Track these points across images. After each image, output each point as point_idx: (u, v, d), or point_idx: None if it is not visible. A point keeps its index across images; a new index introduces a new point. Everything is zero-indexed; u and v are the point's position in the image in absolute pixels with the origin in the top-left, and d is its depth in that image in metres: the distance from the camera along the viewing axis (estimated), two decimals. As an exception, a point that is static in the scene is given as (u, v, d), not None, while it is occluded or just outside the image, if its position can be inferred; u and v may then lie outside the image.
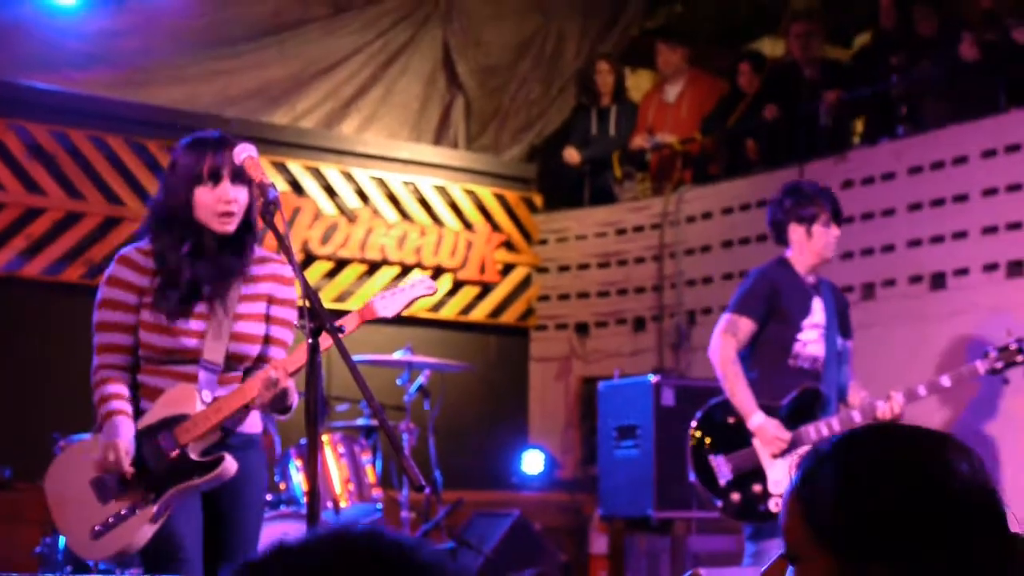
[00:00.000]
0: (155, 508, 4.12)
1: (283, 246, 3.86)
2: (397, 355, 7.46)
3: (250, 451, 4.34)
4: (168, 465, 4.14)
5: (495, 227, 10.58)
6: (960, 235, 8.22)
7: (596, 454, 8.63)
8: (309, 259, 9.68)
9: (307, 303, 3.66)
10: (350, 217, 9.93)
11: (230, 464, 4.14)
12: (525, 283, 10.69)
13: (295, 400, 4.14)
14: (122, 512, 4.14)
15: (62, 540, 6.05)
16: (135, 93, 9.23)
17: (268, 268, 4.37)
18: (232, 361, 4.29)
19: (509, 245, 10.63)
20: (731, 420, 5.95)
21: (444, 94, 10.98)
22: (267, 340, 4.37)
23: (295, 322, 4.34)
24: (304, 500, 6.51)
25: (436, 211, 10.34)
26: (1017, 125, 8.04)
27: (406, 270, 10.08)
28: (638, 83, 11.90)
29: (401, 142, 10.55)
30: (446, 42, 10.92)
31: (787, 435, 5.79)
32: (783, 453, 5.78)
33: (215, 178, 4.24)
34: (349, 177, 10.01)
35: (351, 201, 9.98)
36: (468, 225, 10.45)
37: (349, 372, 3.55)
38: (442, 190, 10.41)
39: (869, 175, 8.83)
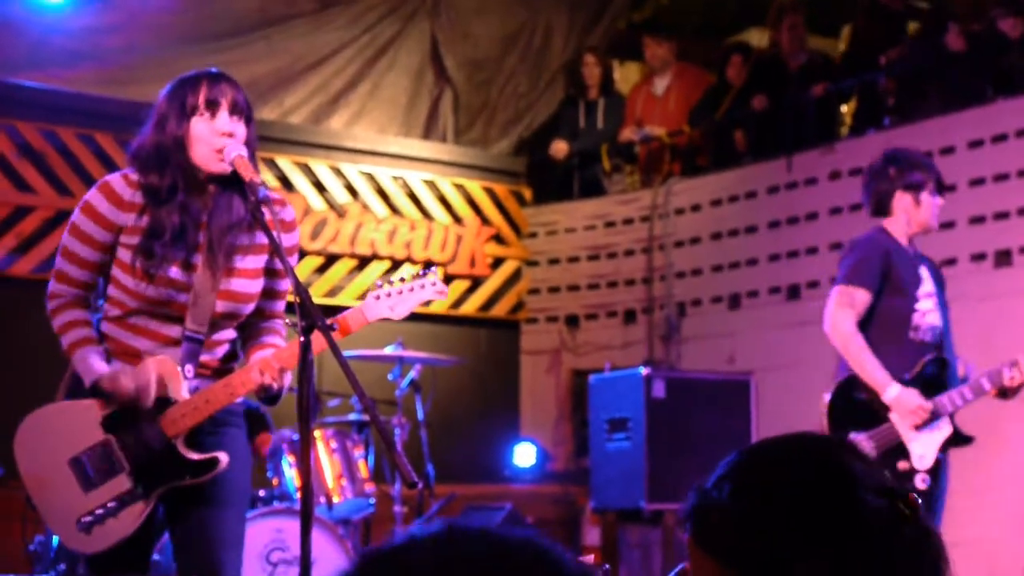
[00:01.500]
0: (144, 505, 3.92)
1: (274, 244, 3.79)
2: (388, 350, 7.48)
3: (232, 427, 4.09)
4: (155, 457, 3.92)
5: (484, 221, 10.60)
6: (948, 225, 8.24)
7: (588, 446, 8.66)
8: (299, 255, 9.64)
9: (298, 300, 3.59)
10: (340, 212, 9.95)
11: (224, 463, 3.94)
12: (515, 276, 10.72)
13: (284, 391, 3.95)
14: (109, 505, 3.92)
15: (55, 539, 6.05)
16: (122, 90, 9.23)
17: (270, 213, 3.91)
18: (223, 320, 4.02)
19: (499, 239, 10.65)
20: (864, 396, 5.56)
21: (432, 88, 10.99)
22: (267, 294, 4.12)
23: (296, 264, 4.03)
24: (297, 495, 6.53)
25: (425, 205, 10.36)
26: (1003, 115, 8.08)
27: (396, 264, 10.10)
28: (626, 76, 11.92)
29: (390, 137, 10.56)
30: (434, 36, 10.93)
31: (928, 404, 5.40)
32: (924, 425, 5.41)
33: (212, 108, 3.95)
34: (338, 172, 10.03)
35: (340, 196, 10.00)
36: (457, 219, 10.47)
37: (340, 368, 3.55)
38: (431, 184, 10.43)
39: (857, 166, 8.85)
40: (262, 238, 4.02)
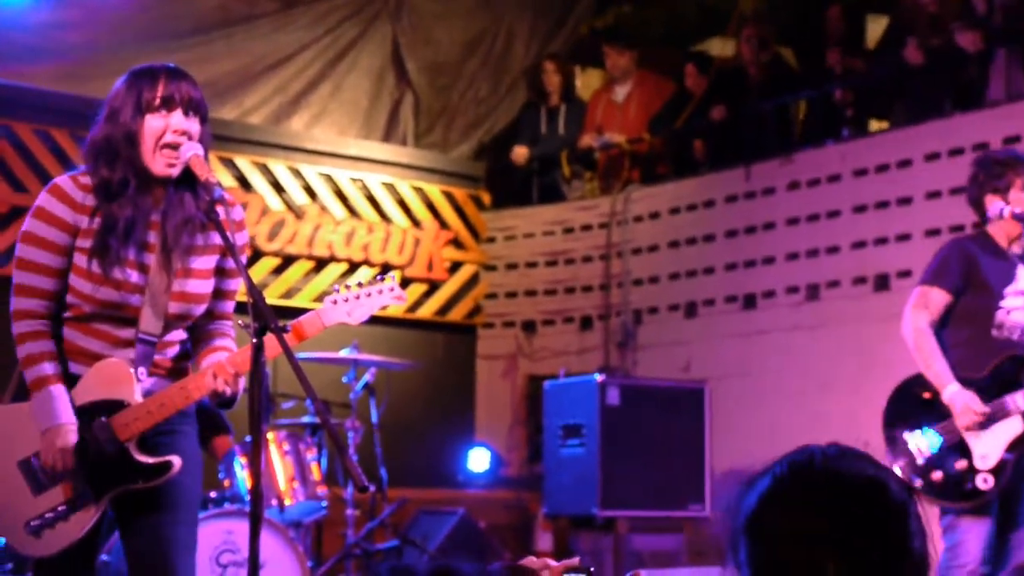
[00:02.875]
0: (94, 509, 3.86)
1: (228, 245, 3.75)
2: (343, 353, 7.46)
3: (184, 428, 4.03)
4: (106, 460, 3.86)
5: (443, 224, 10.59)
6: (904, 237, 8.31)
7: (541, 452, 8.66)
8: (256, 255, 9.66)
9: (251, 302, 3.56)
10: (298, 213, 9.92)
11: (177, 467, 3.89)
12: (473, 281, 10.72)
13: (239, 394, 3.88)
14: (59, 508, 3.86)
15: (1, 540, 6.00)
16: (80, 86, 9.16)
17: (224, 213, 3.82)
18: (175, 321, 3.95)
19: (457, 243, 10.65)
20: (927, 395, 5.49)
21: (393, 91, 10.98)
22: (217, 294, 4.05)
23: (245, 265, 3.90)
24: (248, 497, 6.51)
25: (384, 208, 10.34)
26: (960, 129, 8.14)
27: (354, 267, 10.09)
28: (588, 82, 11.94)
29: (350, 139, 10.54)
30: (395, 39, 10.93)
31: (983, 407, 5.32)
32: (984, 425, 5.32)
33: (168, 105, 3.86)
34: (297, 173, 10.00)
35: (299, 197, 9.97)
36: (416, 222, 10.46)
37: (293, 370, 3.54)
38: (390, 187, 10.42)
39: (815, 177, 8.91)
40: (214, 238, 3.96)
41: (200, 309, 4.02)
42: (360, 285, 4.02)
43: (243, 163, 9.74)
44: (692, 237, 9.65)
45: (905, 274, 8.10)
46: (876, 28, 10.44)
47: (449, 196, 10.69)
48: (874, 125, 9.51)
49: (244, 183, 9.72)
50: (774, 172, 9.15)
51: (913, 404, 5.55)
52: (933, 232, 8.08)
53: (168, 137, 3.87)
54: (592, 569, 2.53)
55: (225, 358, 3.90)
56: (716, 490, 8.40)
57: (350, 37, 10.76)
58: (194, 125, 3.91)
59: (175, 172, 3.88)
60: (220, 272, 4.06)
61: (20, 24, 9.21)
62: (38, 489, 3.90)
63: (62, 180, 3.94)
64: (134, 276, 3.88)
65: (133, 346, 3.92)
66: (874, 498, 1.98)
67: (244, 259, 4.04)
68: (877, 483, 2.00)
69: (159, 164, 3.87)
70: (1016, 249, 5.57)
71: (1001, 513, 5.37)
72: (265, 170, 9.86)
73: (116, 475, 3.89)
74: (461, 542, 7.90)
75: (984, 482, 5.28)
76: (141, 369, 3.92)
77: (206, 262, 4.00)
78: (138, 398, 3.88)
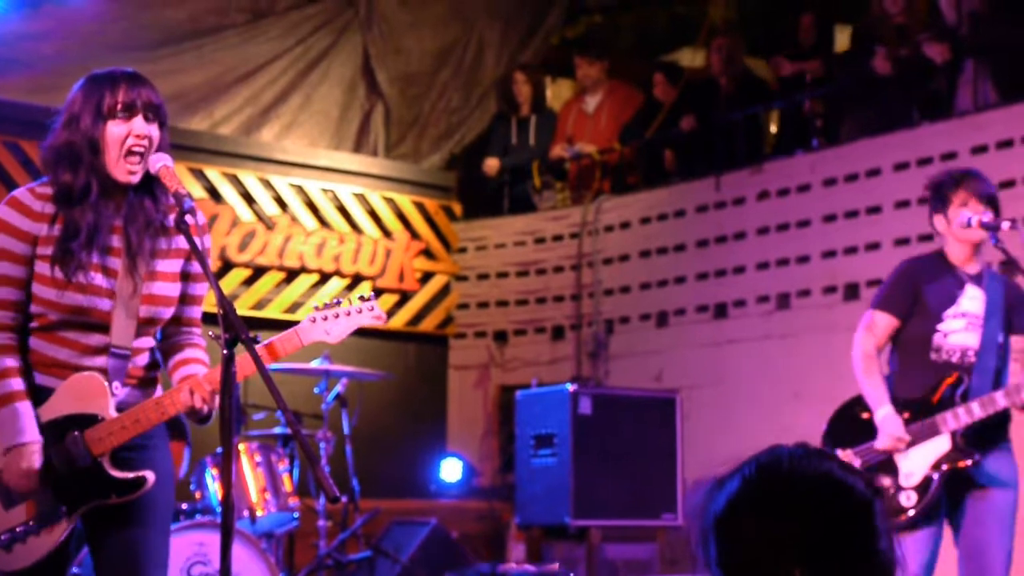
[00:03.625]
0: (66, 524, 3.81)
1: (198, 255, 3.73)
2: (315, 363, 7.45)
3: (157, 441, 3.99)
4: (79, 475, 3.81)
5: (414, 235, 10.59)
6: (873, 246, 8.35)
7: (514, 462, 8.65)
8: (227, 266, 9.64)
9: (221, 313, 3.55)
10: (268, 224, 9.90)
11: (151, 482, 3.86)
12: (444, 291, 10.72)
13: (215, 410, 3.83)
14: (30, 523, 3.81)
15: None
16: (51, 98, 9.05)
17: (192, 222, 3.77)
18: (144, 326, 3.91)
19: (428, 253, 10.65)
20: (864, 416, 5.53)
21: (364, 102, 10.98)
22: (184, 299, 4.01)
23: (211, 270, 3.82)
24: (220, 509, 6.48)
25: (355, 219, 10.34)
26: (929, 139, 8.19)
27: (325, 278, 10.07)
28: (559, 92, 11.97)
29: (320, 149, 10.54)
30: (366, 49, 10.93)
31: (901, 433, 5.35)
32: (912, 444, 5.33)
33: (128, 109, 3.84)
34: (267, 184, 9.98)
35: (269, 208, 9.95)
36: (387, 233, 10.46)
37: (264, 381, 3.53)
38: (361, 198, 10.41)
39: (784, 186, 8.95)
40: (177, 242, 3.94)
41: (168, 312, 3.98)
42: (338, 303, 4.01)
43: (213, 174, 9.72)
44: (663, 247, 9.68)
45: (875, 283, 8.12)
46: (843, 38, 10.50)
47: (420, 207, 10.69)
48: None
49: (214, 194, 9.70)
50: (744, 182, 9.18)
51: (851, 424, 5.60)
52: (902, 241, 8.12)
53: (130, 142, 3.84)
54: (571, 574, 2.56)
55: (202, 375, 3.86)
56: (689, 499, 8.40)
57: (321, 48, 10.75)
58: (155, 130, 3.89)
59: (136, 179, 3.87)
60: (185, 276, 4.02)
61: (-11, 36, 9.18)
62: (9, 503, 3.84)
63: (18, 192, 3.92)
64: (99, 279, 3.84)
65: (103, 354, 3.88)
66: (840, 499, 2.01)
67: (208, 260, 3.96)
68: (843, 484, 2.03)
69: (121, 171, 3.85)
70: (971, 268, 5.55)
71: (956, 530, 5.39)
72: (236, 181, 9.84)
73: (89, 490, 3.85)
74: (434, 552, 7.89)
75: (907, 499, 5.31)
76: (116, 383, 3.88)
77: (171, 265, 3.97)
78: (112, 412, 3.84)
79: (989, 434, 5.40)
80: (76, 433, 3.83)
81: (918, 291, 5.53)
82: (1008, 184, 7.76)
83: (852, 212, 8.48)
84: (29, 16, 9.38)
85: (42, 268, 3.83)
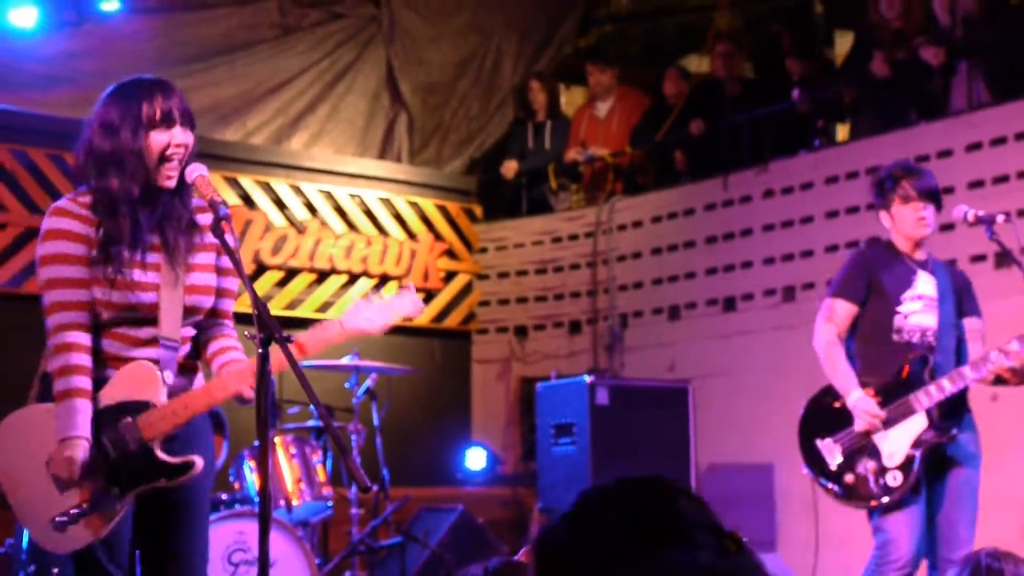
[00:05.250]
0: (118, 506, 3.83)
1: (233, 260, 3.75)
2: (345, 360, 7.45)
3: (203, 431, 4.05)
4: (131, 459, 3.83)
5: (437, 236, 10.59)
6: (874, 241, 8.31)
7: (535, 451, 8.65)
8: (260, 269, 9.65)
9: (255, 313, 3.56)
10: (299, 229, 9.91)
11: (199, 467, 3.89)
12: (467, 289, 10.71)
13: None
14: (83, 506, 3.82)
15: (25, 539, 5.99)
16: (92, 113, 9.14)
17: (211, 216, 3.84)
18: (187, 315, 3.95)
19: (451, 253, 10.64)
20: (837, 404, 5.47)
21: (388, 111, 10.99)
22: (217, 292, 4.04)
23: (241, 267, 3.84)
24: (257, 499, 6.49)
25: (381, 222, 10.34)
26: (925, 137, 8.15)
27: (353, 278, 10.08)
28: (572, 99, 11.96)
29: (347, 157, 10.54)
30: (389, 61, 10.93)
31: (877, 411, 5.29)
32: (889, 425, 5.28)
33: (167, 119, 3.88)
34: (298, 191, 9.99)
35: (300, 213, 9.96)
36: (412, 235, 10.46)
37: (297, 378, 3.53)
38: (387, 202, 10.41)
39: (788, 185, 8.92)
40: (207, 237, 3.98)
41: (208, 301, 4.02)
42: (381, 296, 4.01)
43: (247, 182, 9.73)
44: (674, 244, 9.66)
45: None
46: (844, 43, 10.46)
47: (443, 209, 10.69)
48: (841, 134, 9.53)
49: (248, 201, 9.71)
50: (750, 181, 9.16)
51: (825, 413, 5.54)
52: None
53: (170, 151, 3.89)
54: None
55: (247, 364, 3.89)
56: (701, 484, 8.39)
57: (346, 61, 10.76)
58: (190, 137, 3.93)
59: (173, 184, 3.91)
60: (217, 270, 4.06)
61: (36, 54, 9.20)
62: (64, 486, 3.86)
63: (62, 202, 3.95)
64: (143, 275, 3.88)
65: (153, 345, 3.91)
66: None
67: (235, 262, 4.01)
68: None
69: (161, 177, 3.90)
70: (918, 256, 5.53)
71: (929, 505, 5.33)
72: (268, 188, 9.86)
73: (140, 473, 3.87)
74: (461, 537, 7.89)
75: (894, 479, 5.25)
76: (167, 372, 3.91)
77: (205, 258, 4.02)
78: (163, 399, 3.88)
79: (958, 410, 5.37)
80: (129, 419, 3.86)
81: (873, 277, 5.50)
82: (1002, 179, 7.73)
83: (853, 208, 8.44)
84: (71, 35, 9.41)
85: (92, 271, 3.87)
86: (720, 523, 1.91)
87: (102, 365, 3.91)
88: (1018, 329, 5.38)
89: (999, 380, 5.24)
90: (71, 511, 3.85)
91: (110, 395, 3.90)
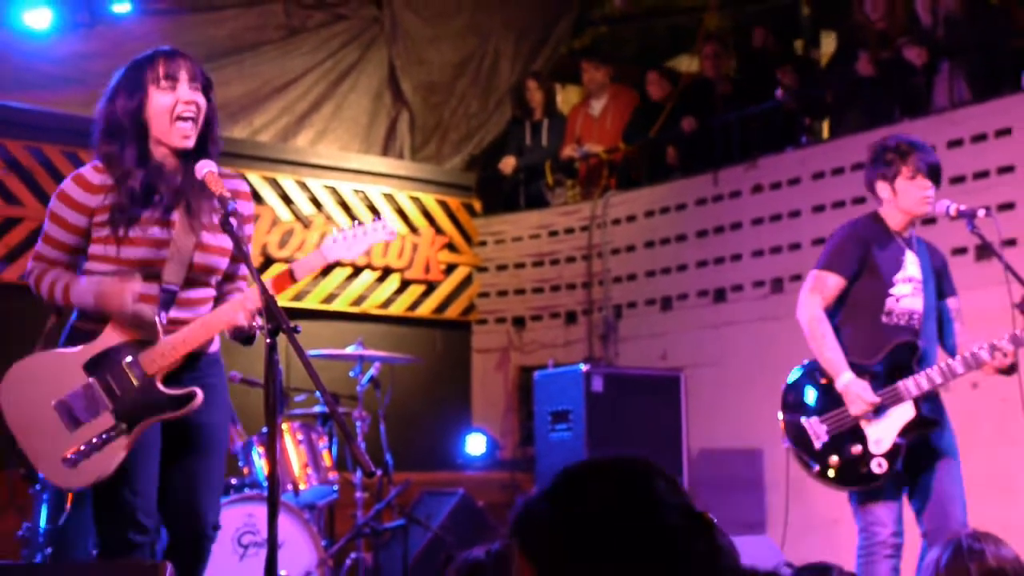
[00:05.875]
0: (127, 439, 3.86)
1: (242, 253, 3.77)
2: (350, 349, 7.46)
3: (211, 369, 4.09)
4: (136, 394, 3.88)
5: (438, 230, 10.59)
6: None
7: (533, 436, 8.66)
8: (268, 262, 9.66)
9: (264, 304, 3.58)
10: (305, 223, 9.91)
11: (200, 398, 3.91)
12: (467, 281, 10.71)
13: (257, 330, 3.90)
14: (94, 440, 3.86)
15: (43, 521, 6.00)
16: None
17: (228, 184, 3.91)
18: (199, 273, 3.99)
19: (451, 247, 10.64)
20: (824, 381, 5.19)
21: (390, 109, 10.98)
22: (234, 258, 4.09)
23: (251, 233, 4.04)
24: (266, 484, 6.50)
25: (384, 216, 10.31)
26: (908, 134, 8.13)
27: (357, 270, 10.09)
28: (568, 98, 11.95)
29: (351, 153, 10.54)
30: (391, 62, 10.92)
31: (873, 397, 5.04)
32: (878, 411, 5.05)
33: (171, 79, 3.89)
34: (304, 186, 9.99)
35: (306, 208, 9.96)
36: (414, 229, 10.46)
37: (304, 366, 3.54)
38: (389, 197, 10.41)
39: (777, 180, 8.92)
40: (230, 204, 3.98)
41: (224, 262, 4.06)
42: (356, 224, 4.11)
43: (254, 178, 9.73)
44: (666, 237, 9.66)
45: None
46: (829, 44, 10.46)
47: (443, 204, 10.69)
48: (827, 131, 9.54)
49: (256, 196, 9.70)
50: (739, 177, 9.16)
51: (810, 390, 5.28)
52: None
53: (179, 109, 3.91)
54: None
55: (242, 296, 3.95)
56: (693, 468, 8.40)
57: (350, 61, 10.76)
58: (199, 96, 3.95)
59: (191, 143, 3.94)
60: None
61: (50, 55, 9.20)
62: (74, 425, 3.91)
63: (83, 168, 4.05)
64: (156, 232, 3.92)
65: (155, 299, 3.95)
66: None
67: (251, 228, 4.14)
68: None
69: (176, 137, 3.92)
70: (906, 234, 5.32)
71: (913, 493, 5.18)
72: (275, 184, 9.86)
73: (145, 407, 3.92)
74: (462, 520, 7.89)
75: (879, 466, 5.05)
76: (163, 313, 3.94)
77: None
78: (162, 336, 3.92)
79: (938, 401, 5.25)
80: (130, 358, 3.91)
81: (868, 254, 5.25)
82: (982, 175, 7.73)
83: (839, 203, 8.45)
84: (84, 36, 9.40)
85: (101, 232, 3.92)
86: (692, 504, 1.92)
87: (104, 318, 3.94)
88: (998, 319, 5.34)
89: (1005, 371, 5.08)
90: (82, 447, 3.89)
91: (112, 338, 3.94)
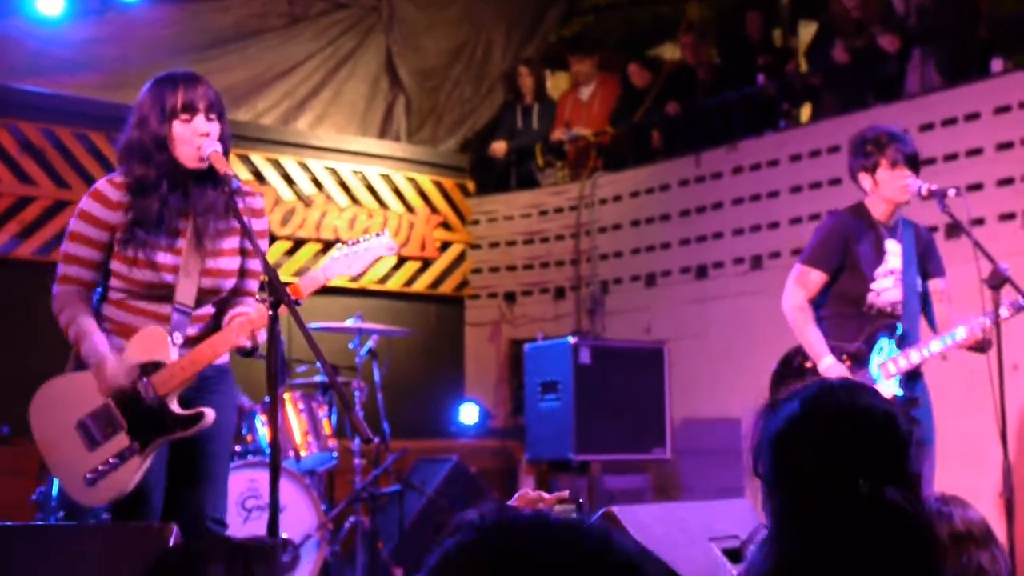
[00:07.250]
0: (141, 459, 3.86)
1: (246, 231, 3.77)
2: (349, 322, 7.44)
3: (221, 383, 4.08)
4: (149, 414, 3.88)
5: (433, 210, 10.56)
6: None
7: (523, 406, 8.65)
8: (270, 239, 9.59)
9: (267, 278, 3.57)
10: (306, 202, 9.87)
11: (210, 417, 3.90)
12: (460, 258, 10.69)
13: (259, 346, 3.89)
14: (110, 460, 3.87)
15: (55, 487, 5.98)
16: (114, 94, 9.08)
17: (242, 202, 3.96)
18: (207, 295, 3.97)
19: (446, 225, 10.61)
20: (808, 364, 5.20)
21: (387, 94, 10.93)
22: (243, 273, 4.08)
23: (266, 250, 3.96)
24: (268, 450, 6.48)
25: (382, 196, 10.30)
26: (882, 119, 8.09)
27: (356, 248, 10.05)
28: (557, 83, 11.91)
29: (350, 136, 10.49)
30: (388, 49, 10.86)
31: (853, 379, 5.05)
32: None
33: (190, 111, 3.88)
34: (305, 167, 9.95)
35: (307, 188, 9.92)
36: (410, 208, 10.42)
37: (305, 338, 3.52)
38: (387, 178, 10.37)
39: (756, 162, 8.90)
40: (235, 222, 3.98)
41: (230, 283, 4.04)
42: (357, 242, 4.06)
43: (258, 159, 9.69)
44: (651, 217, 9.64)
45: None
46: (807, 32, 10.41)
47: (438, 185, 10.65)
48: (804, 115, 9.51)
49: (259, 177, 9.67)
50: (721, 159, 9.13)
51: (795, 372, 5.30)
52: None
53: (197, 142, 3.89)
54: (581, 501, 2.51)
55: (244, 318, 3.91)
56: (676, 435, 8.40)
57: (349, 47, 10.70)
58: (214, 126, 3.93)
59: (204, 165, 3.90)
60: (243, 252, 4.08)
61: (62, 41, 9.13)
62: (93, 446, 3.91)
63: (99, 184, 3.99)
64: (165, 258, 3.89)
65: (166, 303, 3.94)
66: (888, 428, 1.98)
67: (265, 243, 4.07)
68: (889, 415, 1.99)
69: (189, 162, 3.91)
70: (890, 222, 5.31)
71: None
72: (277, 165, 9.81)
73: (157, 426, 3.90)
74: (455, 485, 7.89)
75: None
76: (176, 334, 3.93)
77: (232, 242, 4.03)
78: (174, 358, 3.91)
79: (921, 381, 5.24)
80: (144, 379, 3.89)
81: (848, 249, 5.24)
82: (952, 157, 7.71)
83: (816, 184, 8.43)
84: (95, 22, 9.34)
85: (119, 249, 3.90)
86: None
87: (120, 334, 3.94)
88: (968, 295, 5.31)
89: (978, 348, 5.08)
90: (99, 467, 3.90)
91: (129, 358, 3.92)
